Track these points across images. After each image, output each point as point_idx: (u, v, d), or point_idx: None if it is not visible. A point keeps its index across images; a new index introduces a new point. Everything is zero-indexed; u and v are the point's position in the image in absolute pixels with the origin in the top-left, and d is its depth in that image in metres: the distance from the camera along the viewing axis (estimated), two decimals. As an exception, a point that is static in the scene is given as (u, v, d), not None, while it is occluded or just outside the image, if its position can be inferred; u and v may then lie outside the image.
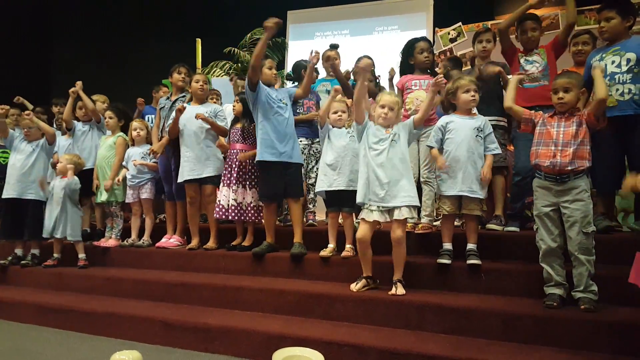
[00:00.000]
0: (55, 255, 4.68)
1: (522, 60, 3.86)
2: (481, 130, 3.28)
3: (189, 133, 4.35)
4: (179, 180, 4.40)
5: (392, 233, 3.06)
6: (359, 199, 3.19)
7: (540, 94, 3.65)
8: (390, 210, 3.10)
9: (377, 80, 4.61)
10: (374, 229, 3.20)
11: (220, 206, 4.12)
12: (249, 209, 4.12)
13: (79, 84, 4.96)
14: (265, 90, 3.89)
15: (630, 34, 3.46)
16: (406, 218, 3.08)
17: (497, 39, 4.03)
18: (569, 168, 2.71)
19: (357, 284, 3.21)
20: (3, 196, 4.78)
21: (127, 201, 4.76)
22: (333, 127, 3.73)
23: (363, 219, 3.16)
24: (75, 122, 5.17)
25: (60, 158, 4.71)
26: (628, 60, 3.30)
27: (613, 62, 3.36)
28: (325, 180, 3.69)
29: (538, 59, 3.81)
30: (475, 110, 3.39)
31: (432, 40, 6.81)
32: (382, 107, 3.19)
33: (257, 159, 3.87)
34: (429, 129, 3.64)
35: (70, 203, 4.57)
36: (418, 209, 3.71)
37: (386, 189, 3.08)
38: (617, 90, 3.32)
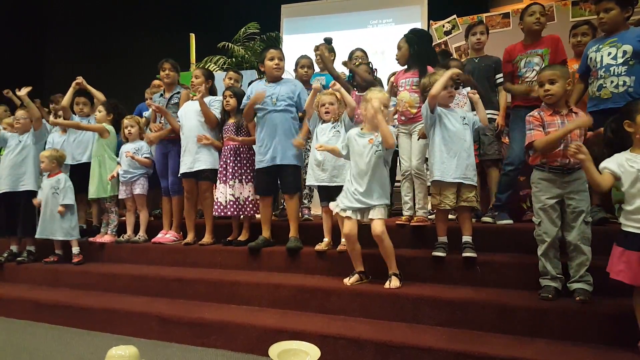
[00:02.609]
0: (57, 252, 4.67)
1: (521, 64, 3.75)
2: (466, 118, 3.26)
3: (186, 128, 4.37)
4: (179, 173, 4.42)
5: (371, 231, 3.07)
6: (337, 201, 3.25)
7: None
8: (362, 211, 3.14)
9: (373, 70, 4.55)
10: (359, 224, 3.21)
11: (219, 203, 4.11)
12: (247, 203, 4.12)
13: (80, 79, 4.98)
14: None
15: (629, 24, 3.44)
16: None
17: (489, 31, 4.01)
18: (578, 165, 2.65)
19: (350, 278, 3.22)
20: None
21: (120, 197, 4.73)
22: (323, 122, 3.65)
23: (347, 216, 3.17)
24: (73, 114, 5.13)
25: (41, 156, 4.60)
26: (624, 53, 3.27)
27: (609, 53, 3.34)
28: (312, 174, 3.69)
29: (539, 61, 3.70)
30: (452, 104, 3.36)
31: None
32: None
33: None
34: (419, 124, 3.61)
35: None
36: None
37: (360, 197, 3.11)
38: (612, 82, 3.30)
